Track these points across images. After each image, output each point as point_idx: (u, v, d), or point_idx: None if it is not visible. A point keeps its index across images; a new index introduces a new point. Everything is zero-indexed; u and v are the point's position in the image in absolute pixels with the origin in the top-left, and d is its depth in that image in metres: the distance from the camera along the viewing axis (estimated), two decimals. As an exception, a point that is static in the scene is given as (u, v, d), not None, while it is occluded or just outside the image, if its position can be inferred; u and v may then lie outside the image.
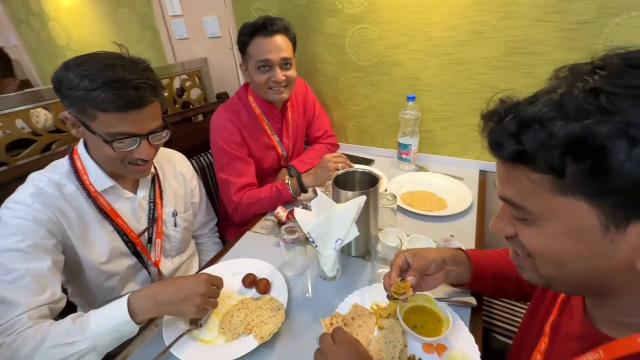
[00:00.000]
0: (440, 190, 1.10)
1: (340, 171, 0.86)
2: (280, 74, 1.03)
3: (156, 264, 0.87)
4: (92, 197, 0.76)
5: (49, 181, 0.72)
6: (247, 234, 0.99)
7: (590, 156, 0.29)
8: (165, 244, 0.90)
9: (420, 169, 1.26)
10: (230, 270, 0.82)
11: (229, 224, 1.23)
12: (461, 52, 1.09)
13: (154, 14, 1.64)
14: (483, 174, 1.22)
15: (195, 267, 1.02)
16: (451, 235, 0.80)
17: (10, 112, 0.99)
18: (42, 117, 1.29)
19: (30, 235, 0.66)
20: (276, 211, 0.98)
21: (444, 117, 1.23)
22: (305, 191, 1.06)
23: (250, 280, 0.77)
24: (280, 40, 1.02)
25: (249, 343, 0.63)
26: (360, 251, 0.86)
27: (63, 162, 0.77)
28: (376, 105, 1.33)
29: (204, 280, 0.66)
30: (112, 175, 0.78)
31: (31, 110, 1.05)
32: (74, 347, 0.57)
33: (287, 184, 1.05)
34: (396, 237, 0.77)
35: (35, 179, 0.73)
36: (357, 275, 0.81)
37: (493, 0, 0.99)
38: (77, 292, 0.83)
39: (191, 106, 1.60)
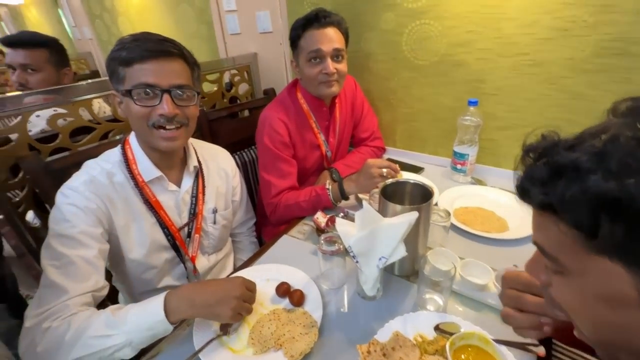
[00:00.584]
0: (500, 209, 0.97)
1: (389, 181, 0.78)
2: (331, 66, 0.99)
3: (192, 260, 0.87)
4: (139, 186, 0.77)
5: (101, 170, 0.74)
6: (284, 237, 0.95)
7: (627, 220, 0.25)
8: (203, 240, 0.89)
9: (478, 182, 1.13)
10: (264, 276, 0.79)
11: (266, 222, 1.21)
12: (539, 52, 0.95)
13: (210, 9, 1.68)
14: (553, 193, 1.06)
15: (230, 267, 1.01)
16: (515, 266, 0.69)
17: (76, 101, 1.05)
18: (103, 106, 1.37)
19: (80, 222, 0.67)
20: (315, 216, 0.93)
21: (510, 126, 1.09)
22: (347, 198, 1.00)
23: (284, 290, 0.72)
24: (332, 32, 0.98)
25: (278, 360, 0.59)
26: (404, 271, 0.78)
27: (115, 152, 0.79)
28: (431, 108, 1.22)
29: (240, 284, 0.65)
30: (159, 166, 0.78)
31: (93, 100, 1.11)
32: (111, 340, 0.57)
33: (328, 189, 0.99)
34: (448, 260, 0.68)
35: (90, 166, 0.76)
36: (400, 298, 0.73)
37: (586, -8, 0.84)
38: (119, 279, 0.85)
39: (238, 101, 1.61)
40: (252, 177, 1.40)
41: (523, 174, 0.33)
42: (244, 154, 1.38)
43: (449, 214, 0.81)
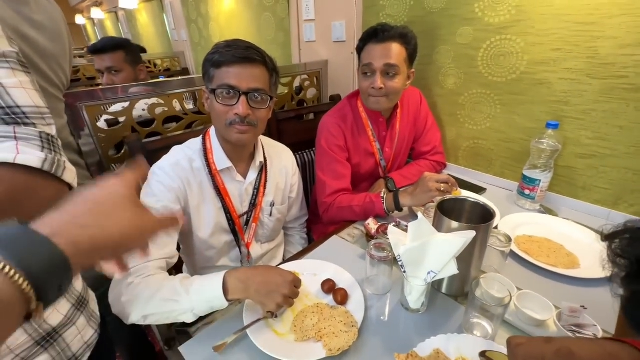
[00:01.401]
0: (572, 244, 0.88)
1: (448, 196, 0.77)
2: (379, 81, 1.00)
3: (247, 246, 0.95)
4: (212, 174, 0.86)
5: (184, 155, 0.86)
6: (334, 237, 0.98)
7: None
8: (258, 229, 0.97)
9: (547, 211, 1.04)
10: (312, 270, 0.83)
11: (317, 220, 1.26)
12: (641, 75, 0.85)
13: (290, 18, 1.80)
14: (642, 236, 0.92)
15: (279, 258, 1.07)
16: (582, 307, 0.63)
17: (171, 94, 1.23)
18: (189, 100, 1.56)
19: (163, 198, 0.79)
20: (367, 222, 0.94)
21: (595, 155, 0.98)
22: (400, 209, 0.99)
23: (329, 287, 0.76)
24: (391, 47, 0.98)
25: (316, 351, 0.62)
26: (453, 290, 0.76)
27: (197, 141, 0.90)
28: (502, 127, 1.16)
29: (290, 282, 0.69)
30: (230, 158, 0.88)
31: (184, 94, 1.28)
32: (177, 305, 0.66)
33: (383, 197, 1.00)
34: (503, 287, 0.64)
35: (176, 151, 0.87)
36: (445, 317, 0.71)
37: None
38: (186, 252, 0.97)
39: (305, 104, 1.69)
40: (309, 177, 1.47)
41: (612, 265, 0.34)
42: (305, 154, 1.45)
43: (509, 239, 0.76)
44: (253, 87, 0.78)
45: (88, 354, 0.59)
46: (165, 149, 0.92)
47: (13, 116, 0.39)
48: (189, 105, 1.51)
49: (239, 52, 0.77)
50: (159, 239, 0.74)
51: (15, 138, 0.38)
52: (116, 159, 1.13)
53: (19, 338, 0.47)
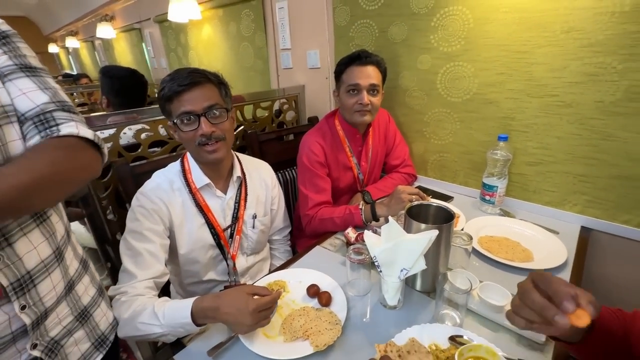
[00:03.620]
0: (526, 241, 1.00)
1: (415, 202, 0.87)
2: (366, 98, 1.13)
3: (233, 257, 1.00)
4: (192, 192, 0.92)
5: (165, 178, 0.92)
6: (317, 248, 1.05)
7: None
8: (243, 241, 1.02)
9: (506, 214, 1.16)
10: (298, 278, 0.89)
11: (301, 235, 1.32)
12: (569, 94, 1.01)
13: (267, 47, 1.93)
14: (586, 231, 1.06)
15: (266, 270, 1.12)
16: (533, 291, 0.73)
17: (157, 120, 1.29)
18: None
19: (147, 221, 0.84)
20: (346, 231, 1.02)
21: (540, 162, 1.12)
22: (377, 219, 1.09)
23: (314, 291, 0.82)
24: (371, 70, 1.13)
25: (304, 348, 0.67)
26: (425, 287, 0.84)
27: (176, 164, 0.96)
28: (462, 141, 1.30)
29: (250, 313, 0.66)
30: (209, 176, 0.93)
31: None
32: (154, 328, 0.71)
33: (361, 209, 1.09)
34: (468, 281, 0.73)
35: (157, 175, 0.93)
36: (419, 311, 0.79)
37: (614, 42, 0.90)
38: (172, 270, 1.00)
39: (285, 126, 1.80)
40: (291, 194, 1.54)
41: None
42: (286, 172, 1.53)
43: (471, 237, 0.86)
44: (207, 105, 0.83)
45: (113, 335, 0.72)
46: (151, 172, 0.98)
47: (65, 107, 0.57)
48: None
49: (183, 80, 0.81)
50: (143, 260, 0.80)
51: (73, 120, 0.57)
52: (102, 183, 1.16)
53: (64, 310, 0.61)
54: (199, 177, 0.93)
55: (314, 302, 0.81)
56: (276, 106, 1.77)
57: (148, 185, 0.90)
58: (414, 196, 1.00)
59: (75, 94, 3.02)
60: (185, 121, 0.84)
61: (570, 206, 1.11)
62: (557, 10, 0.96)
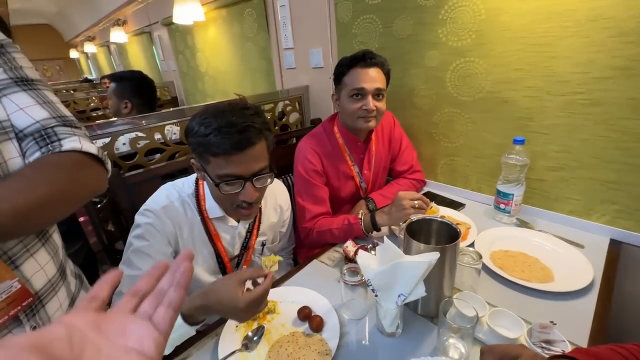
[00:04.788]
0: (546, 256, 0.89)
1: (415, 217, 0.78)
2: (372, 103, 1.04)
3: None
4: (204, 220, 0.86)
5: (178, 196, 0.84)
6: (314, 262, 0.99)
7: None
8: (248, 268, 0.97)
9: (523, 224, 1.06)
10: (290, 297, 0.83)
11: (301, 244, 1.26)
12: (596, 91, 0.89)
13: (271, 47, 1.87)
14: (616, 244, 0.94)
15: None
16: (552, 322, 0.63)
17: (153, 127, 1.26)
18: (172, 128, 1.59)
19: (155, 241, 0.79)
20: (345, 245, 0.95)
21: (563, 167, 1.01)
22: (378, 229, 1.01)
23: (305, 315, 0.76)
24: (375, 72, 1.04)
25: (291, 382, 0.62)
26: (428, 311, 0.76)
27: (190, 183, 0.87)
28: (474, 144, 1.19)
29: (241, 310, 0.64)
30: (223, 209, 0.86)
31: (167, 126, 1.31)
32: None
33: (360, 218, 1.01)
34: (477, 305, 0.65)
35: (169, 190, 0.85)
36: (421, 338, 0.71)
37: (650, 30, 0.78)
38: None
39: (289, 129, 1.73)
40: (292, 201, 1.48)
41: None
42: (288, 178, 1.47)
43: (480, 256, 0.78)
44: (256, 169, 0.75)
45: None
46: (147, 181, 0.94)
47: (66, 122, 0.55)
48: (174, 136, 1.54)
49: (237, 138, 0.69)
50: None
51: (75, 134, 0.54)
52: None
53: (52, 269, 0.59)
54: (212, 208, 0.85)
55: (305, 327, 0.75)
56: (279, 108, 1.71)
57: (159, 201, 0.82)
58: (416, 202, 0.92)
59: (93, 97, 3.09)
60: (228, 182, 0.74)
61: (597, 216, 0.99)
62: (582, -5, 0.85)
